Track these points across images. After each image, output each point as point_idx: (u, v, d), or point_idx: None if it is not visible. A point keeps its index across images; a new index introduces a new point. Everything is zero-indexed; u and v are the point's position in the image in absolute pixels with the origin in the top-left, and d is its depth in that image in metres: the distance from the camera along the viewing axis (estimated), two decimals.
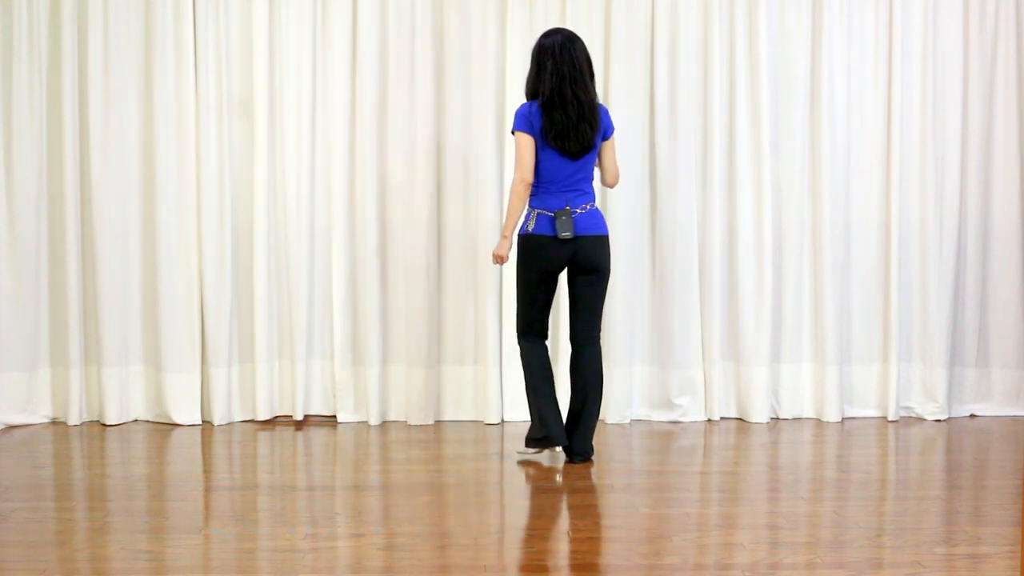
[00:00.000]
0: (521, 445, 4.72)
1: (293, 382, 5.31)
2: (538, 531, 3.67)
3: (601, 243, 4.47)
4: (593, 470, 4.48)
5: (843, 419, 5.41)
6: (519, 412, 5.33)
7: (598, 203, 4.76)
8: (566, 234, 4.37)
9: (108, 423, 5.23)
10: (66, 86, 5.17)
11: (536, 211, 4.44)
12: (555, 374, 4.77)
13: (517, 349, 4.70)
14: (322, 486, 4.26)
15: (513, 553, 3.44)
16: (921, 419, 5.43)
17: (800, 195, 5.38)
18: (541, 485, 4.26)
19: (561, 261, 4.44)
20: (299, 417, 5.31)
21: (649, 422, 5.36)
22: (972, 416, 5.52)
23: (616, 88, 5.28)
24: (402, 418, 5.35)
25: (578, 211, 4.42)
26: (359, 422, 5.31)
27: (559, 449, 4.57)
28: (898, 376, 5.39)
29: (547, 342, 4.60)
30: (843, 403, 5.44)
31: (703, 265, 5.38)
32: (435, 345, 5.30)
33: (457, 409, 5.38)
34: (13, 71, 5.17)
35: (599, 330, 4.56)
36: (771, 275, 5.35)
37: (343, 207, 5.28)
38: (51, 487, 4.22)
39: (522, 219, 4.49)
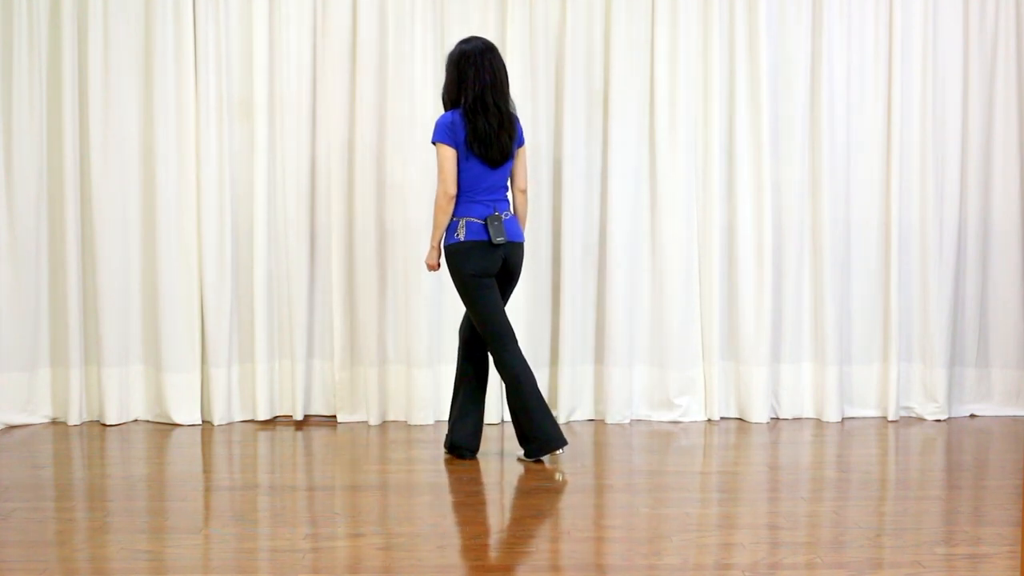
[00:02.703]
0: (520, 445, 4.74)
1: (293, 382, 5.31)
2: (538, 531, 3.67)
3: (521, 248, 4.56)
4: (593, 470, 4.48)
5: (843, 419, 5.41)
6: None
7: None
8: (500, 239, 4.40)
9: (108, 423, 5.23)
10: (66, 86, 5.16)
11: (464, 219, 4.45)
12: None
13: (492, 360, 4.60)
14: (322, 486, 4.26)
15: (513, 553, 3.44)
16: (921, 419, 5.43)
17: (800, 195, 5.38)
18: (541, 485, 4.26)
19: (496, 265, 4.46)
20: (299, 417, 5.31)
21: (649, 422, 5.36)
22: (972, 416, 5.52)
23: (616, 88, 5.28)
24: (402, 418, 5.35)
25: (502, 217, 4.47)
26: (359, 422, 5.31)
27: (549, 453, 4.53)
28: (898, 376, 5.39)
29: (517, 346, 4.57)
30: (843, 403, 5.44)
31: (703, 265, 5.38)
32: (435, 345, 5.30)
33: None
34: (13, 71, 5.17)
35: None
36: (771, 275, 5.35)
37: (343, 207, 5.28)
38: (51, 487, 4.22)
39: (448, 230, 4.51)
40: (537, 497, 4.10)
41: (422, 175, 5.23)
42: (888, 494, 4.16)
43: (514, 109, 4.53)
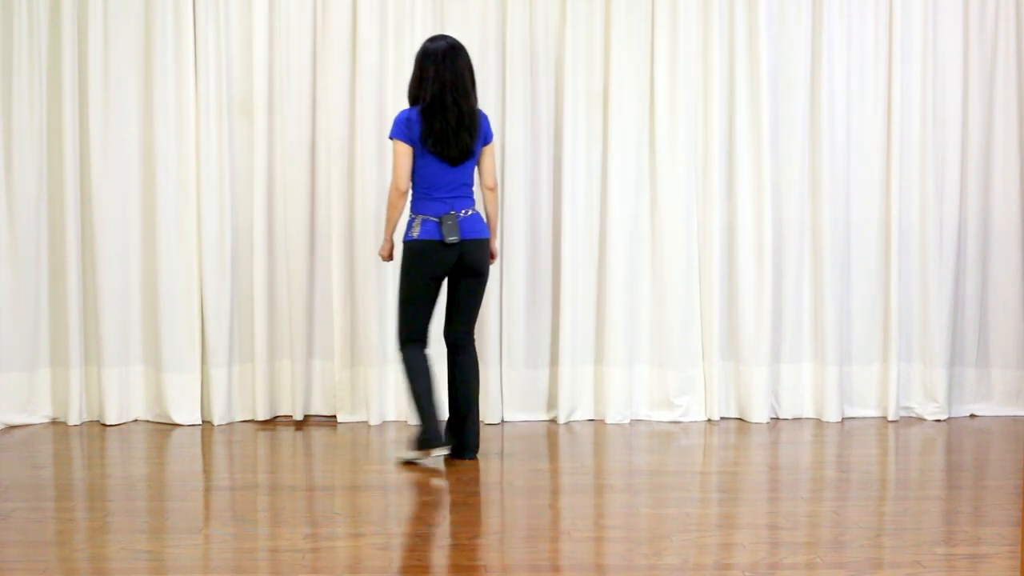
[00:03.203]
0: (520, 445, 4.73)
1: (293, 382, 5.31)
2: (538, 531, 3.67)
3: (483, 247, 4.53)
4: (593, 470, 4.49)
5: (843, 419, 5.41)
6: (519, 412, 5.35)
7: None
8: (453, 238, 4.40)
9: (108, 423, 5.23)
10: (66, 86, 5.16)
11: (420, 217, 4.46)
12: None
13: (400, 358, 4.60)
14: (322, 486, 4.26)
15: (513, 553, 3.44)
16: (921, 419, 5.43)
17: (800, 195, 5.38)
18: (541, 485, 4.26)
19: (447, 265, 4.47)
20: (299, 417, 5.31)
21: (649, 422, 5.36)
22: (972, 416, 5.52)
23: (616, 88, 5.28)
24: (402, 418, 5.35)
25: (462, 214, 4.46)
26: (359, 422, 5.31)
27: (438, 451, 4.50)
28: (898, 376, 5.39)
29: (428, 350, 4.58)
30: (843, 403, 5.43)
31: (703, 265, 5.38)
32: (435, 345, 5.29)
33: None
34: (13, 71, 5.17)
35: (474, 330, 4.65)
36: (771, 275, 5.35)
37: (343, 207, 5.28)
38: (51, 487, 4.22)
39: (404, 226, 4.53)
40: (537, 497, 4.10)
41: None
42: (888, 494, 4.16)
43: (475, 104, 4.49)
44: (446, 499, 4.06)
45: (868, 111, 5.40)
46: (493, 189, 4.63)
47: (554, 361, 5.39)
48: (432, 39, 4.54)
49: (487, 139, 4.56)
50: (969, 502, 4.02)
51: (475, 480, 4.33)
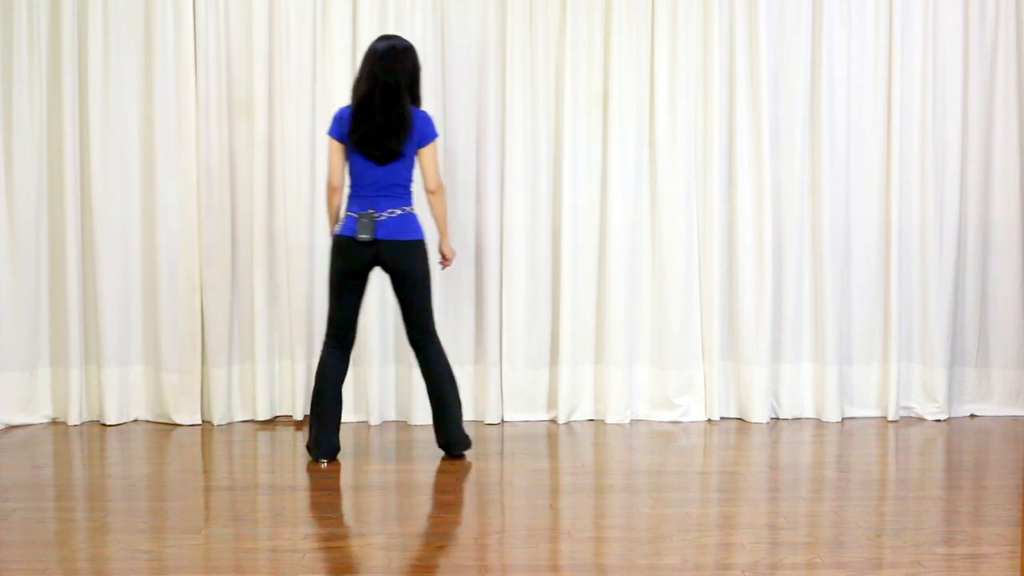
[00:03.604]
0: (519, 445, 4.73)
1: (293, 382, 5.31)
2: (538, 531, 3.67)
3: (407, 248, 4.47)
4: (593, 470, 4.48)
5: (843, 419, 5.41)
6: (519, 412, 5.34)
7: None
8: (364, 236, 4.40)
9: (108, 423, 5.22)
10: (66, 86, 5.16)
11: (347, 213, 4.49)
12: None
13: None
14: (322, 486, 4.26)
15: (513, 553, 3.44)
16: (921, 419, 5.43)
17: (800, 195, 5.38)
18: (541, 485, 4.26)
19: (361, 264, 4.46)
20: (299, 417, 5.31)
21: (649, 422, 5.36)
22: (972, 416, 5.52)
23: (616, 89, 5.28)
24: (402, 418, 5.35)
25: (384, 215, 4.44)
26: (359, 422, 5.31)
27: (323, 461, 4.52)
28: (898, 376, 5.39)
29: (344, 351, 4.57)
30: (843, 403, 5.43)
31: (703, 265, 5.38)
32: None
33: None
34: (13, 71, 5.16)
35: (433, 328, 4.59)
36: (771, 275, 5.34)
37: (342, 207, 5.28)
38: (51, 487, 4.22)
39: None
40: (537, 497, 4.10)
41: (417, 173, 5.23)
42: (888, 494, 4.16)
43: (406, 106, 4.42)
44: (446, 499, 4.06)
45: (868, 111, 5.40)
46: (434, 192, 4.54)
47: (554, 361, 5.39)
48: (379, 39, 4.56)
49: (424, 140, 4.49)
50: (969, 502, 4.02)
51: (475, 480, 4.33)
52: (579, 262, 5.33)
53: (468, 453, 4.64)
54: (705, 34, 5.32)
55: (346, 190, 4.58)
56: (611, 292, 5.31)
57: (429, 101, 5.23)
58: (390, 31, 5.23)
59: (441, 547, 3.47)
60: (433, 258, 4.67)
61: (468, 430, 5.17)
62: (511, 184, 5.30)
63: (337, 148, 4.50)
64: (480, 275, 5.31)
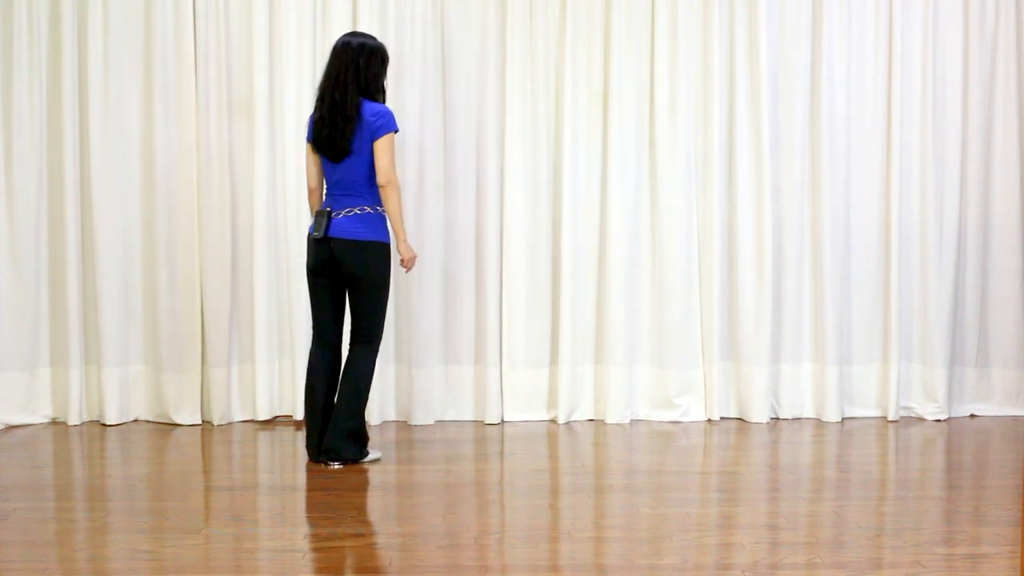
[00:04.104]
0: (519, 445, 4.72)
1: (293, 382, 5.31)
2: (538, 531, 3.67)
3: (357, 249, 4.40)
4: (593, 470, 4.48)
5: (843, 419, 5.41)
6: (519, 412, 5.35)
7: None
8: (315, 234, 4.43)
9: (108, 423, 5.23)
10: (66, 86, 5.16)
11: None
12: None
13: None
14: (322, 486, 4.26)
15: (513, 553, 3.44)
16: (921, 419, 5.43)
17: (800, 195, 5.38)
18: (541, 485, 4.26)
19: (320, 260, 4.46)
20: (299, 417, 5.31)
21: (649, 422, 5.36)
22: (972, 416, 5.52)
23: (616, 88, 5.28)
24: (402, 418, 5.35)
25: (341, 214, 4.43)
26: None
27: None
28: (898, 376, 5.39)
29: (336, 351, 4.57)
30: (843, 403, 5.44)
31: (703, 265, 5.38)
32: (435, 345, 5.30)
33: (457, 409, 5.38)
34: (13, 71, 5.17)
35: (373, 333, 4.51)
36: (771, 275, 5.35)
37: None
38: (51, 487, 4.22)
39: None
40: (537, 497, 4.10)
41: (416, 173, 5.24)
42: (888, 494, 4.16)
43: (353, 100, 4.37)
44: (446, 499, 4.06)
45: (868, 111, 5.40)
46: (384, 186, 4.39)
47: (554, 361, 5.39)
48: (344, 35, 4.56)
49: (377, 134, 4.40)
50: (969, 502, 4.02)
51: (475, 480, 4.33)
52: (579, 262, 5.33)
53: (375, 464, 4.56)
54: (705, 34, 5.33)
55: None
56: (611, 292, 5.31)
57: (429, 101, 5.24)
58: (390, 31, 5.24)
59: (441, 547, 3.47)
60: (397, 260, 4.64)
61: (468, 430, 5.18)
62: (511, 184, 5.30)
63: (309, 150, 4.54)
64: (480, 275, 5.32)
